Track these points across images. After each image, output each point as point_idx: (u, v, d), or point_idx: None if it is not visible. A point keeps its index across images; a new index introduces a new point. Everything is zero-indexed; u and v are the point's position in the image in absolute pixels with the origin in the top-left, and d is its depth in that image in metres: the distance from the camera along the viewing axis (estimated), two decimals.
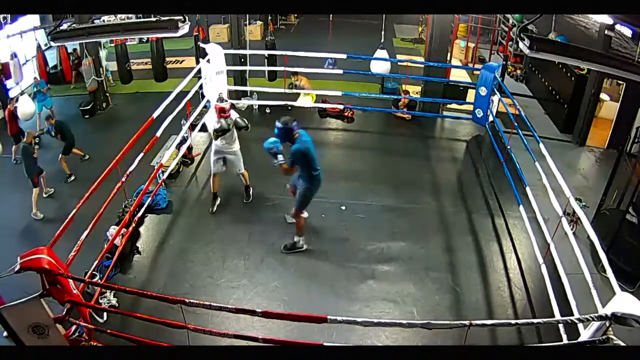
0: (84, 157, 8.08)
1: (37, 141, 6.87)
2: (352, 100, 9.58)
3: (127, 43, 9.85)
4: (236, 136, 6.57)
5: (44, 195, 7.12)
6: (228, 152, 6.56)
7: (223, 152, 6.55)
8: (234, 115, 6.47)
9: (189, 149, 7.85)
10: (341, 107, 9.37)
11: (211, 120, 6.87)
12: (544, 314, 4.93)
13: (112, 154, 5.56)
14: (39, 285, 3.78)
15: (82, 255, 4.66)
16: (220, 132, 6.26)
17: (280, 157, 5.31)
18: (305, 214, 5.98)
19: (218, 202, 6.78)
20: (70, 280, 3.97)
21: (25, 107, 8.15)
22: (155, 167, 6.85)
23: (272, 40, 9.83)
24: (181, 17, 4.85)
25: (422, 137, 8.93)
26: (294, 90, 9.42)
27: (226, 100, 6.56)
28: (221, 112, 6.26)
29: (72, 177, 7.63)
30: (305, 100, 9.46)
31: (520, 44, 4.55)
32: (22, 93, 8.57)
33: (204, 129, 8.63)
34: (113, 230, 5.77)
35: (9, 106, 8.06)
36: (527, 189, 6.20)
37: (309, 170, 5.49)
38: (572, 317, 3.69)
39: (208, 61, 8.24)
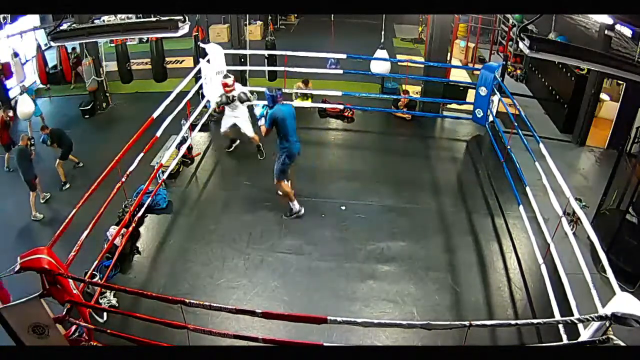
0: (77, 164, 8.02)
1: (32, 142, 6.78)
2: (352, 100, 9.58)
3: (127, 43, 9.85)
4: (241, 105, 7.59)
5: (41, 201, 7.06)
6: (234, 116, 7.67)
7: (231, 116, 7.70)
8: (238, 89, 7.52)
9: (189, 149, 7.85)
10: (341, 107, 9.36)
11: (215, 93, 7.97)
12: (544, 314, 4.93)
13: (112, 154, 5.56)
14: (39, 285, 3.78)
15: (82, 255, 4.66)
16: (221, 104, 7.59)
17: (262, 120, 6.25)
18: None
19: (236, 143, 8.10)
20: (70, 280, 3.97)
21: (25, 106, 8.14)
22: (155, 167, 6.85)
23: (272, 40, 9.84)
24: (181, 17, 4.86)
25: (422, 137, 8.93)
26: (301, 90, 9.44)
27: (230, 77, 7.50)
28: (225, 86, 7.36)
29: (67, 185, 7.57)
30: (303, 102, 9.45)
31: (520, 44, 4.55)
32: (21, 93, 8.56)
33: (204, 129, 8.65)
34: (113, 230, 5.77)
35: (1, 114, 7.93)
36: (527, 189, 6.20)
37: (282, 138, 6.09)
38: (572, 317, 3.70)
39: (208, 61, 8.24)
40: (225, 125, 7.82)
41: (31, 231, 6.63)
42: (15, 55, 8.67)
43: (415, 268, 5.74)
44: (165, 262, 5.82)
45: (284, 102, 6.15)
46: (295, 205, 6.43)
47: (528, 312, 5.17)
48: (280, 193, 6.54)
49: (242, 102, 7.51)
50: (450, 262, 5.85)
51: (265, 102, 6.21)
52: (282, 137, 6.11)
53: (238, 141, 8.09)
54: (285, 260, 5.82)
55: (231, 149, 8.12)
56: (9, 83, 9.34)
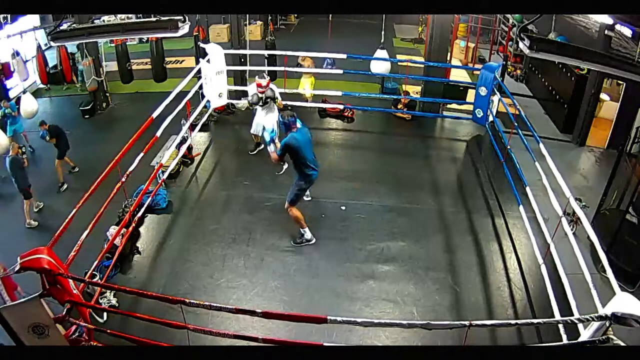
0: (73, 169, 7.95)
1: (23, 151, 6.67)
2: (352, 100, 9.58)
3: (127, 43, 9.85)
4: (275, 107, 7.47)
5: (35, 210, 6.99)
6: (266, 118, 7.43)
7: (263, 117, 7.47)
8: (273, 91, 7.32)
9: (189, 149, 7.86)
10: (341, 107, 9.36)
11: (250, 92, 7.69)
12: (544, 314, 4.93)
13: (112, 154, 5.56)
14: (39, 285, 3.78)
15: (82, 255, 4.67)
16: (251, 103, 7.39)
17: (271, 146, 5.87)
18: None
19: (260, 147, 7.89)
20: (70, 280, 3.97)
21: (28, 105, 8.16)
22: (155, 167, 6.85)
23: (272, 40, 9.84)
24: (181, 17, 4.86)
25: (422, 137, 8.93)
26: (299, 69, 9.40)
27: (265, 77, 7.29)
28: (259, 86, 7.15)
29: (65, 186, 7.50)
30: (305, 83, 9.38)
31: (520, 44, 4.55)
32: (24, 91, 8.56)
33: (204, 129, 8.65)
34: (113, 230, 5.77)
35: None
36: (527, 189, 6.19)
37: (300, 166, 5.70)
38: (572, 317, 3.70)
39: (208, 61, 8.24)
40: (254, 125, 7.63)
41: (31, 231, 6.63)
42: (17, 54, 8.66)
43: (415, 268, 5.74)
44: (165, 262, 5.82)
45: (299, 126, 5.71)
46: (307, 233, 6.00)
47: (528, 312, 5.17)
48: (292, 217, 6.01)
49: (267, 98, 7.28)
50: (450, 262, 5.85)
51: (274, 126, 6.09)
52: (299, 166, 5.68)
53: (262, 145, 7.80)
54: (285, 260, 5.82)
55: (255, 152, 7.98)
56: (9, 83, 9.35)
